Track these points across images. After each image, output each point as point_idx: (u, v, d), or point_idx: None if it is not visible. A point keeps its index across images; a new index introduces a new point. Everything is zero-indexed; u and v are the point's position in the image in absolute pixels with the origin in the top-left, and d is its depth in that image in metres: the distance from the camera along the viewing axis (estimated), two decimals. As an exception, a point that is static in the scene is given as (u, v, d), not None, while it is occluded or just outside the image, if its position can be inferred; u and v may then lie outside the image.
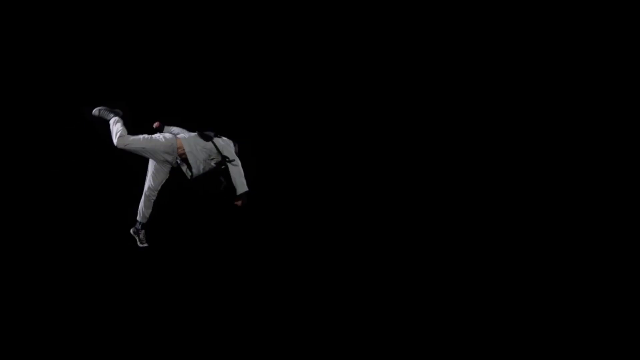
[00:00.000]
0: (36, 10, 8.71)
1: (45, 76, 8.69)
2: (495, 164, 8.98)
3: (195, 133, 7.33)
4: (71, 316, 8.18)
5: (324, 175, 8.96)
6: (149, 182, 7.36)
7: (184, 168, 7.30)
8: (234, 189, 7.24)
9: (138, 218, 7.47)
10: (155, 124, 7.33)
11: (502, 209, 8.89)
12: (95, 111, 7.37)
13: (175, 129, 7.44)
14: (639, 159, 8.84)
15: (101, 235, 8.39)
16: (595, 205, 8.82)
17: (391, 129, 9.09)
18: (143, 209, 7.42)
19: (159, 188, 7.36)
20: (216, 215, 8.52)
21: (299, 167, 8.92)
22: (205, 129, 7.38)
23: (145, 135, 7.23)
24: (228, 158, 7.22)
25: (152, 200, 7.39)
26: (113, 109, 7.35)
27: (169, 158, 7.23)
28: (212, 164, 7.26)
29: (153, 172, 7.35)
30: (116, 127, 7.22)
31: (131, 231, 7.56)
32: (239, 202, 7.24)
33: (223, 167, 7.26)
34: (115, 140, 7.18)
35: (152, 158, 7.25)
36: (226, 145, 7.26)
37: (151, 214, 7.46)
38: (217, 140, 7.26)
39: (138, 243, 7.54)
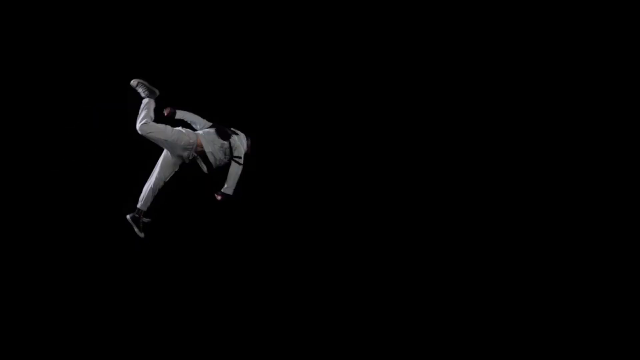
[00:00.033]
0: (36, 10, 8.71)
1: (45, 76, 8.69)
2: (495, 164, 8.98)
3: (213, 129, 7.24)
4: (71, 314, 8.19)
5: (323, 175, 8.96)
6: (158, 172, 7.26)
7: (200, 163, 7.23)
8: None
9: (139, 205, 7.34)
10: (166, 111, 7.17)
11: (502, 209, 8.89)
12: (134, 82, 7.22)
13: (188, 116, 7.32)
14: (638, 159, 8.84)
15: (101, 235, 8.39)
16: (595, 205, 8.82)
17: (391, 129, 9.08)
18: (146, 197, 7.30)
19: (167, 180, 7.29)
20: (216, 214, 8.53)
21: (298, 167, 8.92)
22: (212, 119, 7.31)
23: (169, 127, 7.11)
24: (237, 158, 7.19)
25: (157, 190, 7.29)
26: (152, 86, 7.21)
27: (185, 154, 7.18)
28: (226, 160, 7.23)
29: (164, 164, 7.26)
30: (144, 112, 7.08)
31: (129, 217, 7.32)
32: (218, 197, 7.19)
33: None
34: (138, 125, 7.06)
35: (168, 150, 7.18)
36: (240, 144, 7.23)
37: (152, 204, 7.33)
38: (233, 138, 7.21)
39: (136, 230, 7.38)
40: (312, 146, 8.97)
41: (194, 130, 7.29)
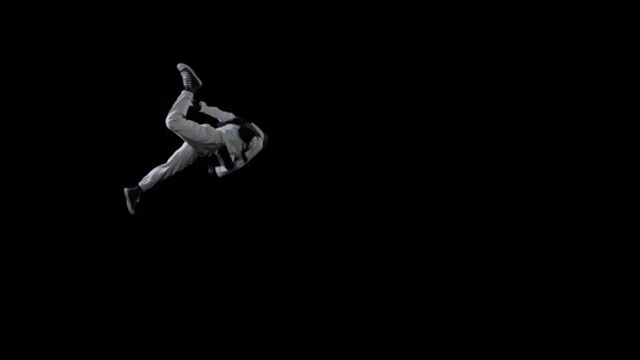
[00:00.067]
0: (36, 10, 8.71)
1: (45, 76, 8.69)
2: (495, 164, 8.98)
3: (236, 128, 7.15)
4: (71, 314, 8.20)
5: (324, 175, 8.96)
6: (174, 159, 7.16)
7: (220, 159, 7.15)
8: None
9: (141, 183, 7.20)
10: (192, 104, 7.00)
11: (501, 209, 8.89)
12: (180, 66, 7.09)
13: (210, 110, 7.22)
14: (638, 159, 8.84)
15: (100, 235, 8.40)
16: (595, 205, 8.82)
17: (391, 129, 9.08)
18: (152, 179, 7.16)
19: (179, 170, 7.19)
20: (215, 214, 8.54)
21: (298, 167, 8.92)
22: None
23: (197, 126, 6.97)
24: (245, 158, 7.15)
25: (166, 177, 7.18)
26: (196, 76, 7.02)
27: (205, 152, 7.11)
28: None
29: (183, 155, 7.16)
30: (177, 108, 6.93)
31: (126, 191, 7.09)
32: (210, 169, 7.11)
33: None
34: (167, 120, 6.90)
35: (191, 146, 7.10)
36: (256, 145, 7.18)
37: (152, 189, 7.20)
38: (253, 140, 7.15)
39: (128, 205, 7.22)
40: (312, 146, 8.98)
41: (215, 123, 7.19)
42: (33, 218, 8.45)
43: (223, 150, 7.10)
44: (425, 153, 9.02)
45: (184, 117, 6.88)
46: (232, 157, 7.08)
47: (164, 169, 7.07)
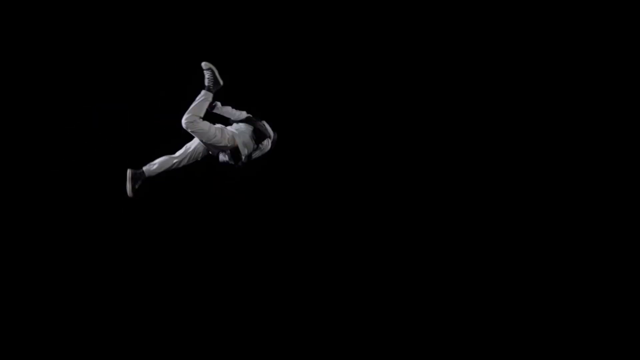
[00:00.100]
0: (36, 10, 8.71)
1: (45, 76, 8.69)
2: (495, 164, 8.98)
3: (249, 129, 7.13)
4: (71, 314, 8.19)
5: (323, 176, 8.96)
6: (184, 152, 7.11)
7: (229, 157, 7.12)
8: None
9: (145, 168, 7.12)
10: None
11: (502, 210, 8.90)
12: (205, 65, 6.94)
13: (223, 110, 7.20)
14: (638, 159, 8.84)
15: (100, 235, 8.40)
16: (595, 205, 8.82)
17: (394, 130, 9.08)
18: (158, 166, 7.09)
19: (187, 164, 7.15)
20: (215, 214, 8.54)
21: (299, 167, 8.92)
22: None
23: (212, 128, 6.90)
24: (250, 158, 7.13)
25: (171, 168, 7.13)
26: (218, 77, 6.91)
27: (215, 151, 7.10)
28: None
29: (194, 149, 7.13)
30: (196, 108, 6.88)
31: (129, 172, 6.94)
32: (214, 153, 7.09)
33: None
34: (184, 120, 6.84)
35: (204, 144, 7.07)
36: (265, 147, 7.17)
37: (155, 177, 7.14)
38: (263, 143, 7.14)
39: (128, 186, 7.12)
40: (313, 146, 8.98)
41: (228, 120, 7.15)
42: (33, 218, 8.45)
43: (234, 150, 7.08)
44: (427, 153, 9.02)
45: (201, 119, 6.84)
46: (242, 157, 7.07)
47: (173, 160, 6.98)
